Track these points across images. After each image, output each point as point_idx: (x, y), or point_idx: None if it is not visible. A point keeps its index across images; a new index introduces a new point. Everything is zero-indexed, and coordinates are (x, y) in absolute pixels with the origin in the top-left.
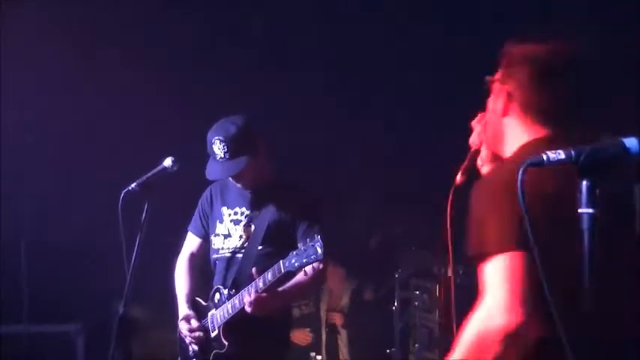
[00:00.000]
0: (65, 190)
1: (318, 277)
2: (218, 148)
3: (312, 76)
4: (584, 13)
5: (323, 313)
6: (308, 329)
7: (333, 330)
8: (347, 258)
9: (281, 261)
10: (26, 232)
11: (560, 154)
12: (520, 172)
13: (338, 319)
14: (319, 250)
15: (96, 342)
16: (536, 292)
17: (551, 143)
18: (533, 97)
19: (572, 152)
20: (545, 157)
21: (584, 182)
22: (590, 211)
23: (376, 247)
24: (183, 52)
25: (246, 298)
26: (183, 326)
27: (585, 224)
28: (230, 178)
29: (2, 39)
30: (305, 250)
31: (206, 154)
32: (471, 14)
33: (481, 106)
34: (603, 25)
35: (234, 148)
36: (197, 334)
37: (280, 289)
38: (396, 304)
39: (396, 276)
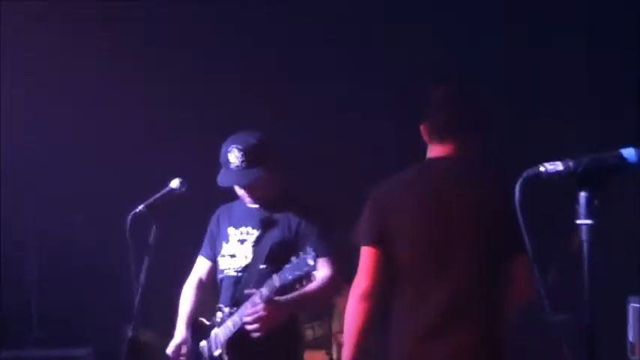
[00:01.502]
0: (74, 212)
1: (324, 288)
2: (235, 157)
3: (328, 88)
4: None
5: (334, 334)
6: (324, 351)
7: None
8: None
9: (275, 275)
10: (33, 253)
11: (558, 166)
12: (518, 184)
13: None
14: (311, 262)
15: None
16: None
17: (441, 158)
18: (427, 126)
19: (570, 163)
20: (543, 169)
21: (583, 193)
22: (589, 222)
23: None
24: (188, 64)
25: (246, 315)
26: (172, 350)
27: (584, 235)
28: (240, 192)
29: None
30: (297, 263)
31: (214, 172)
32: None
33: None
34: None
35: (250, 157)
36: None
37: (281, 299)
38: None
39: None
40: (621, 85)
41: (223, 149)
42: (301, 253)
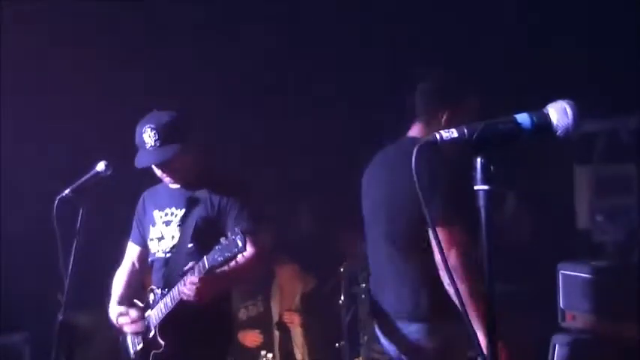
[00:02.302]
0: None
1: (249, 265)
2: (148, 136)
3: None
4: None
5: (275, 312)
6: (257, 330)
7: (284, 329)
8: (298, 256)
9: (205, 257)
10: None
11: (453, 133)
12: (414, 152)
13: (294, 319)
14: (240, 243)
15: (43, 351)
16: None
17: (405, 138)
18: None
19: (465, 130)
20: (438, 137)
21: (479, 159)
22: (486, 187)
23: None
24: (114, 51)
25: (179, 290)
26: (122, 320)
27: (481, 201)
28: (158, 172)
29: None
30: (227, 245)
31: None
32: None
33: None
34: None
35: (165, 135)
36: (136, 325)
37: (216, 272)
38: (342, 297)
39: (342, 270)
40: (621, 84)
41: (137, 130)
42: (229, 234)
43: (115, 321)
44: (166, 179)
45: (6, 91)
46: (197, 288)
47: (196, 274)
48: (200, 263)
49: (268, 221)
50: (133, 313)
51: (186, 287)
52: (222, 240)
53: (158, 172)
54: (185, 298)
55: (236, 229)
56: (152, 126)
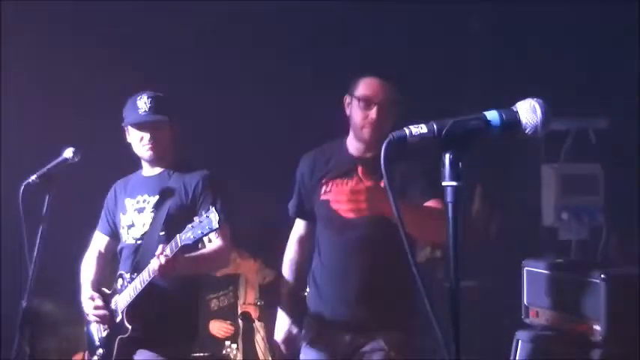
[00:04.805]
0: None
1: (219, 254)
2: (144, 103)
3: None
4: None
5: (240, 304)
6: (229, 322)
7: (248, 320)
8: (260, 249)
9: (177, 235)
10: None
11: (423, 128)
12: (384, 146)
13: (253, 311)
14: (214, 220)
15: (5, 338)
16: None
17: None
18: None
19: (435, 126)
20: (407, 132)
21: (448, 155)
22: (454, 183)
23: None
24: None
25: (149, 270)
26: (88, 305)
27: (449, 197)
28: (139, 145)
29: None
30: (200, 222)
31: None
32: None
33: None
34: None
35: (159, 104)
36: (101, 312)
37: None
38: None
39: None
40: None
41: (130, 101)
42: (203, 212)
43: (85, 306)
44: (145, 153)
45: None
46: (167, 260)
47: (168, 253)
48: (172, 242)
49: (235, 216)
50: (99, 301)
51: (157, 259)
52: (196, 218)
53: (140, 144)
54: (151, 270)
55: (211, 207)
56: (149, 94)
